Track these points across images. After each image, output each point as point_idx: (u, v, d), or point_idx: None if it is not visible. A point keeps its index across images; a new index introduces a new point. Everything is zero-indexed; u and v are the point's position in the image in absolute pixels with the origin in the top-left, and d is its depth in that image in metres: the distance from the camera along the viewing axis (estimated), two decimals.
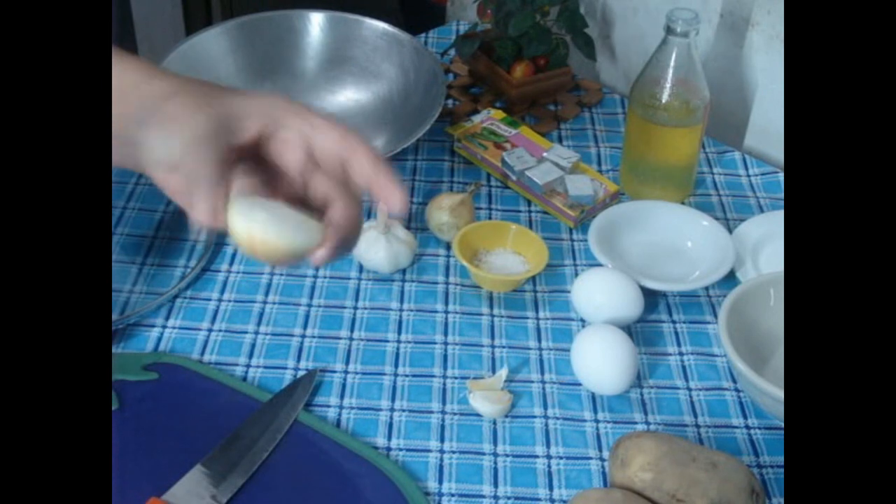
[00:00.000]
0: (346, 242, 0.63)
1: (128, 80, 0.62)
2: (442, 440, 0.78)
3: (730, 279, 0.90)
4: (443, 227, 0.95)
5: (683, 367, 0.84)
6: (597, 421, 0.80)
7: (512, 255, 0.93)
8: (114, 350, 0.84)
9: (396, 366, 0.84)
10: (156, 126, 0.60)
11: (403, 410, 0.80)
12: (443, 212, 0.94)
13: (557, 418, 0.80)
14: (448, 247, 0.94)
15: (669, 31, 0.93)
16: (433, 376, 0.83)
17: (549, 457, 0.77)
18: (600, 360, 0.80)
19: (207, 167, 0.60)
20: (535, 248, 0.92)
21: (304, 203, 0.64)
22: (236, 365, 0.83)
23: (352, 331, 0.87)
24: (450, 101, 1.16)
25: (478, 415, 0.79)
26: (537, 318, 0.89)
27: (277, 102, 0.64)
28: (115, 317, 0.86)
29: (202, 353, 0.84)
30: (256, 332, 0.86)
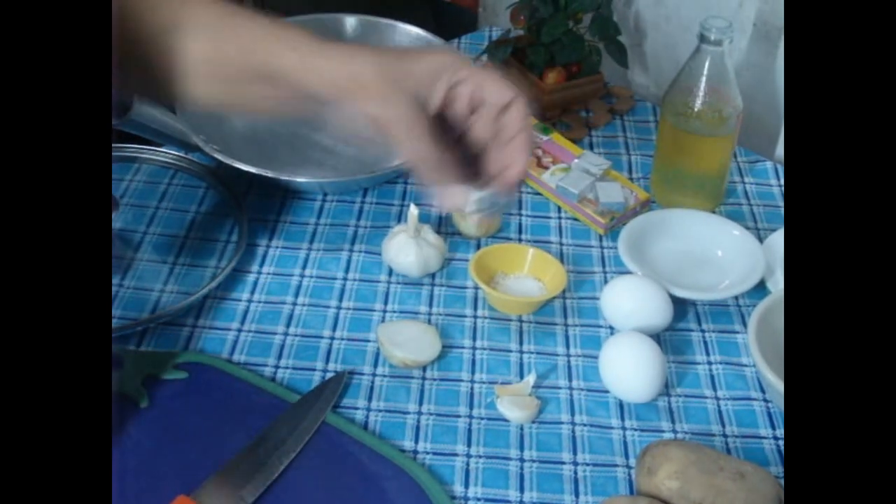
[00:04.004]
0: (505, 190, 0.69)
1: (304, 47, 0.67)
2: (469, 444, 0.78)
3: (760, 289, 0.90)
4: (466, 216, 0.96)
5: (712, 377, 0.84)
6: (624, 428, 0.79)
7: (530, 281, 0.92)
8: (145, 348, 0.85)
9: (424, 369, 0.84)
10: (360, 99, 0.66)
11: (431, 414, 0.80)
12: None
13: (584, 425, 0.80)
14: (478, 249, 0.94)
15: (703, 39, 0.92)
16: (461, 380, 0.83)
17: (575, 463, 0.77)
18: (628, 368, 0.80)
19: (429, 153, 0.66)
20: (553, 272, 0.91)
21: (464, 147, 0.69)
22: (265, 365, 0.84)
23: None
24: None
25: (505, 420, 0.80)
26: (566, 325, 0.89)
27: (447, 61, 0.68)
28: (146, 316, 0.87)
29: (232, 353, 0.85)
30: (286, 334, 0.87)
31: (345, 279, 0.93)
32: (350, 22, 1.14)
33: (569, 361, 0.85)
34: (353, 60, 0.66)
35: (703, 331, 0.88)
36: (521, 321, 0.89)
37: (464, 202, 0.69)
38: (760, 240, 0.95)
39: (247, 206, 0.99)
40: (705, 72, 0.94)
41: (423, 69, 0.67)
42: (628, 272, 0.91)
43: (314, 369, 0.83)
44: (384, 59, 0.67)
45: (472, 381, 0.83)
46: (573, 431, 0.79)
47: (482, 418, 0.80)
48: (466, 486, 0.74)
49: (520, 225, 1.00)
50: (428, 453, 0.77)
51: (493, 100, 0.67)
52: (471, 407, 0.81)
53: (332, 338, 0.87)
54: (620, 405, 0.81)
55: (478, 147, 0.68)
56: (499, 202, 0.70)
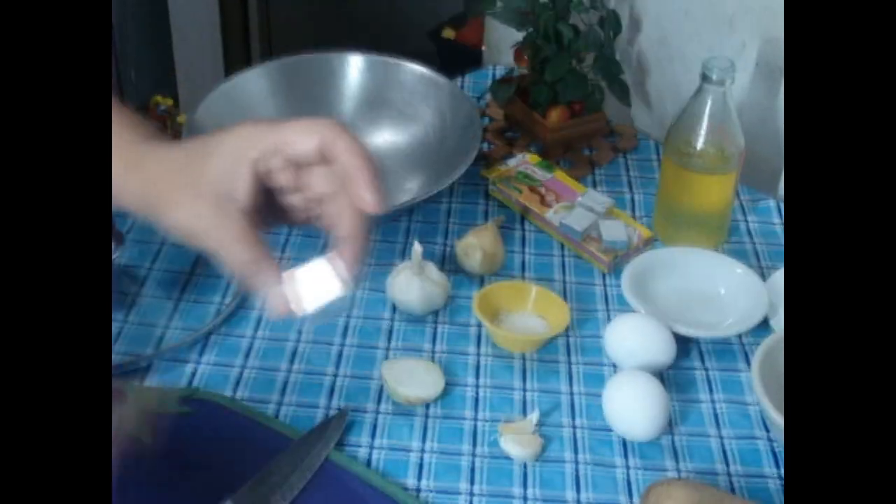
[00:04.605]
0: (358, 246, 0.65)
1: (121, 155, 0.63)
2: (472, 482, 0.77)
3: (763, 327, 0.90)
4: (468, 249, 0.96)
5: (716, 415, 0.84)
6: (627, 467, 0.79)
7: (534, 318, 0.92)
8: (149, 384, 0.85)
9: (427, 406, 0.84)
10: (167, 211, 0.64)
11: (434, 451, 0.80)
12: (468, 237, 0.97)
13: (588, 463, 0.79)
14: (482, 286, 0.94)
15: (705, 79, 0.93)
16: (464, 418, 0.83)
17: (579, 501, 0.76)
18: (632, 406, 0.80)
19: (247, 255, 0.63)
20: (556, 309, 0.91)
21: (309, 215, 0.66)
22: (269, 402, 0.84)
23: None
24: (485, 145, 1.17)
25: (508, 458, 0.79)
26: (569, 363, 0.89)
27: (244, 138, 0.64)
28: (150, 351, 0.87)
29: (235, 390, 0.85)
30: (289, 371, 0.87)
31: (348, 316, 0.93)
32: (355, 60, 1.15)
33: (572, 399, 0.85)
34: (150, 169, 0.64)
35: (706, 369, 0.88)
36: (524, 359, 0.89)
37: (298, 302, 0.64)
38: (763, 278, 0.95)
39: None
40: (707, 111, 0.94)
41: (221, 162, 0.63)
42: (631, 310, 0.91)
43: (317, 406, 0.83)
44: (180, 163, 0.64)
45: (476, 419, 0.83)
46: (577, 469, 0.79)
47: (485, 456, 0.80)
48: None
49: (523, 262, 1.00)
50: (431, 491, 0.77)
51: (301, 152, 0.63)
52: (474, 444, 0.81)
53: (336, 375, 0.87)
54: (624, 443, 0.81)
55: (319, 208, 0.65)
56: (338, 296, 0.65)
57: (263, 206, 0.65)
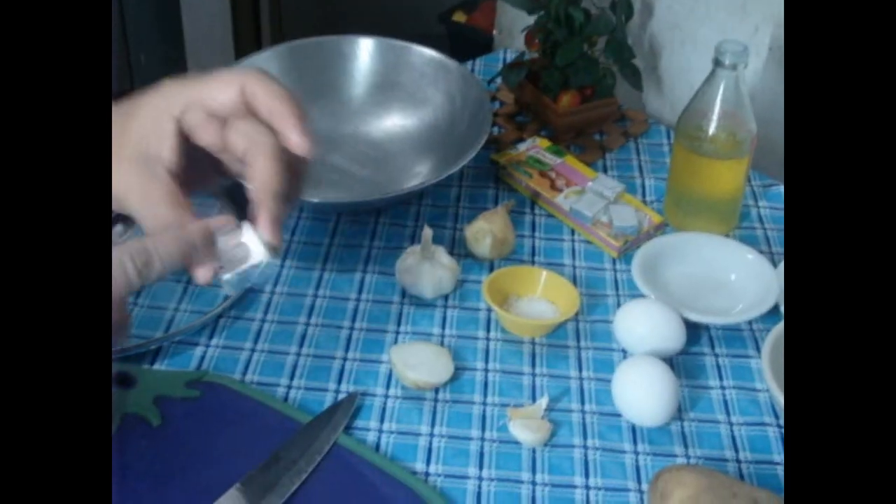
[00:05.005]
0: (284, 195, 0.62)
1: None
2: (481, 467, 0.77)
3: (774, 314, 0.90)
4: (478, 233, 0.96)
5: (725, 401, 0.84)
6: (636, 452, 0.79)
7: (543, 303, 0.92)
8: (158, 367, 0.85)
9: (437, 391, 0.84)
10: None
11: (443, 436, 0.80)
12: (478, 221, 0.96)
13: (597, 449, 0.79)
14: (491, 271, 0.94)
15: (718, 63, 0.93)
16: (473, 402, 0.83)
17: (587, 487, 0.76)
18: (641, 392, 0.80)
19: (170, 218, 0.61)
20: (566, 294, 0.91)
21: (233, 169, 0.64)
22: (278, 385, 0.84)
23: None
24: (495, 129, 1.17)
25: (517, 443, 0.79)
26: (578, 348, 0.88)
27: (168, 96, 0.62)
28: (159, 334, 0.87)
29: (244, 373, 0.85)
30: (298, 354, 0.87)
31: (358, 300, 0.93)
32: (365, 44, 1.15)
33: (581, 384, 0.85)
34: None
35: (716, 355, 0.88)
36: (533, 343, 0.89)
37: (219, 268, 0.63)
38: (774, 264, 0.95)
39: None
40: (720, 95, 0.94)
41: (144, 121, 0.62)
42: (641, 295, 0.90)
43: (326, 390, 0.83)
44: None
45: (485, 404, 0.83)
46: (585, 455, 0.79)
47: (494, 441, 0.80)
48: None
49: (533, 247, 1.00)
50: (440, 475, 0.77)
51: (222, 103, 0.61)
52: (483, 429, 0.81)
53: (345, 358, 0.87)
54: (633, 429, 0.81)
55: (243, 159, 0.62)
56: (261, 262, 0.64)
57: (190, 168, 0.63)
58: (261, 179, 0.62)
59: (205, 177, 0.66)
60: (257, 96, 0.62)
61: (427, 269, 0.91)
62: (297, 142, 0.62)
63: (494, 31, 1.48)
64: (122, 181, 0.61)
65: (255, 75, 0.62)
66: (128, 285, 0.59)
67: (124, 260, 0.58)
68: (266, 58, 1.13)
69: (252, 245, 0.64)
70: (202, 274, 0.63)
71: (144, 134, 0.62)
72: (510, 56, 1.31)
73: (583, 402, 0.83)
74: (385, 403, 0.82)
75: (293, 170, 0.64)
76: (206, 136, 0.63)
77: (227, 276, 0.64)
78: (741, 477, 0.77)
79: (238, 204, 0.65)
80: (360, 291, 0.94)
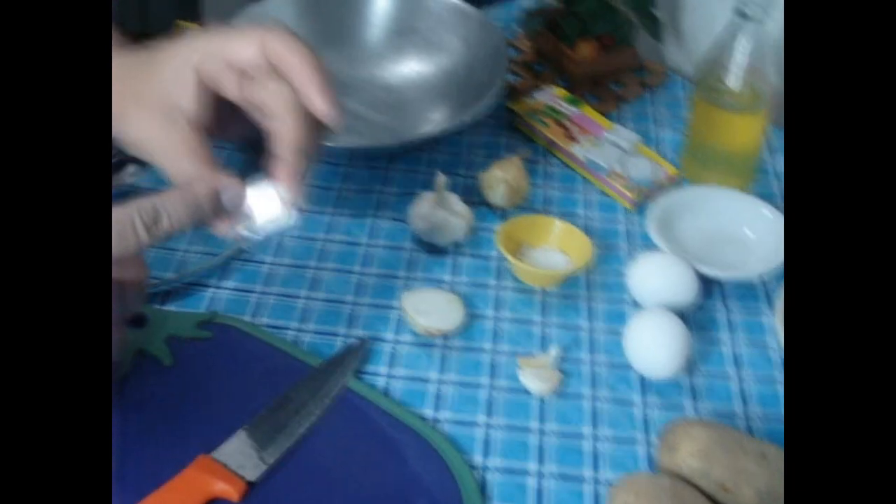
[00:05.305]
0: (300, 166, 0.63)
1: None
2: (489, 414, 0.77)
3: None
4: (492, 181, 0.95)
5: (735, 356, 0.84)
6: (645, 404, 0.79)
7: (556, 254, 0.91)
8: (169, 308, 0.85)
9: (446, 338, 0.84)
10: (116, 124, 0.62)
11: (452, 383, 0.80)
12: (492, 169, 0.96)
13: (605, 399, 0.79)
14: (505, 220, 0.93)
15: (740, 15, 0.91)
16: (483, 350, 0.83)
17: (595, 437, 0.76)
18: (652, 344, 0.80)
19: (195, 172, 0.61)
20: (579, 245, 0.90)
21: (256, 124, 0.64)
22: (287, 329, 0.84)
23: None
24: (511, 77, 1.16)
25: (526, 391, 0.79)
26: (589, 299, 0.88)
27: (192, 50, 0.62)
28: (170, 276, 0.87)
29: (254, 316, 0.85)
30: (308, 298, 0.87)
31: (368, 245, 0.92)
32: None
33: (591, 335, 0.85)
34: None
35: (728, 310, 0.88)
36: (544, 293, 0.88)
37: (240, 221, 0.64)
38: None
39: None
40: (741, 48, 0.92)
41: (166, 69, 0.62)
42: (654, 248, 0.90)
43: (336, 334, 0.83)
44: (126, 73, 0.62)
45: (495, 352, 0.83)
46: (594, 405, 0.79)
47: (503, 389, 0.80)
48: (486, 455, 0.74)
49: (546, 197, 0.99)
50: (448, 422, 0.77)
51: (244, 58, 0.61)
52: (492, 377, 0.81)
53: (355, 303, 0.86)
54: (642, 381, 0.81)
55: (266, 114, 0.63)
56: (280, 217, 0.65)
57: (211, 118, 0.63)
58: (283, 136, 0.63)
59: (226, 126, 0.66)
60: (284, 57, 0.62)
61: (441, 215, 0.90)
62: (322, 108, 0.62)
63: None
64: (145, 130, 0.61)
65: (281, 35, 0.62)
66: (138, 244, 0.59)
67: (133, 217, 0.59)
68: (282, 1, 1.12)
69: (271, 199, 0.65)
70: (219, 228, 0.65)
71: (166, 85, 0.62)
72: (529, 3, 1.29)
73: (592, 353, 0.83)
74: (395, 349, 0.82)
75: (314, 127, 0.64)
76: (227, 87, 0.63)
77: (244, 231, 0.65)
78: (750, 432, 0.77)
79: (258, 153, 0.65)
80: (371, 237, 0.93)
